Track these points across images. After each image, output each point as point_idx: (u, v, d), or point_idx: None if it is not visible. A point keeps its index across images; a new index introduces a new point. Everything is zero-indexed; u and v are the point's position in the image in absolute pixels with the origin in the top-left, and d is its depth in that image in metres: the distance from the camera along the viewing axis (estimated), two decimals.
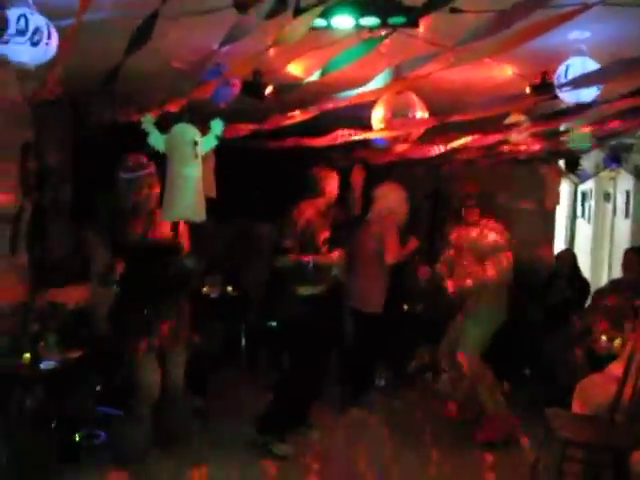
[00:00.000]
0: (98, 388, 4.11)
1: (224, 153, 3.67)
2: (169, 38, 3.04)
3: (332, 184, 4.30)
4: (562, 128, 4.40)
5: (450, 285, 4.65)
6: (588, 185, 7.18)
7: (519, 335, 5.75)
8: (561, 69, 2.98)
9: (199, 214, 3.13)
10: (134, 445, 3.67)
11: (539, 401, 4.81)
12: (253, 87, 3.75)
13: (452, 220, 5.13)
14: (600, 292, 5.32)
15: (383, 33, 2.59)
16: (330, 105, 3.04)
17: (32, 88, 3.73)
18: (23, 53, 2.49)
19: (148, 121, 2.97)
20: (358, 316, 4.81)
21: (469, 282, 4.51)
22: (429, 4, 2.28)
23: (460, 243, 4.68)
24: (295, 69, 3.80)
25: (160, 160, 3.19)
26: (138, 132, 2.99)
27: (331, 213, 4.37)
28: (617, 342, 4.36)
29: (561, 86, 2.84)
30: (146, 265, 3.59)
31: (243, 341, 5.92)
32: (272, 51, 3.07)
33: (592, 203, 7.43)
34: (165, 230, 3.72)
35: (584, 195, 7.66)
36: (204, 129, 3.49)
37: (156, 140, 2.98)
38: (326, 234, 4.24)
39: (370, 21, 2.51)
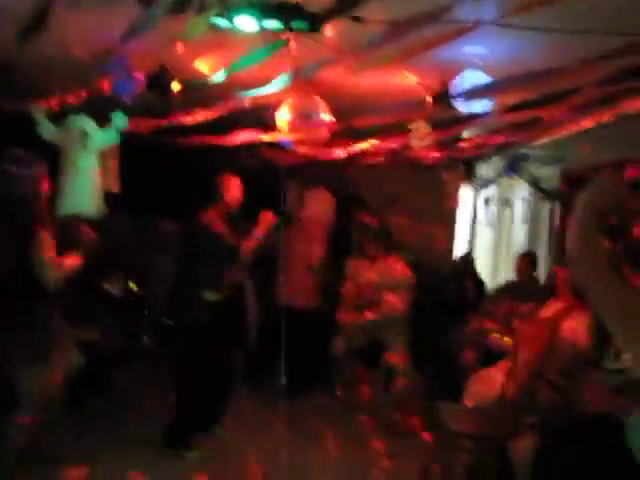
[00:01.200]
0: None
1: (132, 148, 3.60)
2: (69, 26, 2.96)
3: (233, 190, 4.21)
4: (462, 136, 4.62)
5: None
6: (491, 191, 7.51)
7: (420, 335, 5.99)
8: (456, 80, 3.15)
9: (94, 207, 3.06)
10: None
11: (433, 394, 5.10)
12: (158, 82, 3.70)
13: (352, 252, 5.28)
14: (493, 295, 5.60)
15: (285, 37, 2.64)
16: (234, 104, 3.05)
17: None
18: None
19: (38, 111, 2.87)
20: (289, 312, 4.85)
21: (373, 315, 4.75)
22: (331, 11, 2.35)
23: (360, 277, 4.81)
24: (202, 66, 3.78)
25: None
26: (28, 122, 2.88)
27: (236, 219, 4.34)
28: (507, 339, 4.60)
29: (455, 97, 2.99)
30: None
31: (145, 340, 5.80)
32: (179, 47, 3.06)
33: (493, 208, 7.77)
34: None
35: (487, 200, 7.99)
36: (106, 123, 3.42)
37: (46, 130, 2.89)
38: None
39: (272, 24, 2.55)
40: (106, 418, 4.40)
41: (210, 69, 3.75)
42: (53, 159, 3.22)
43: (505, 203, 7.59)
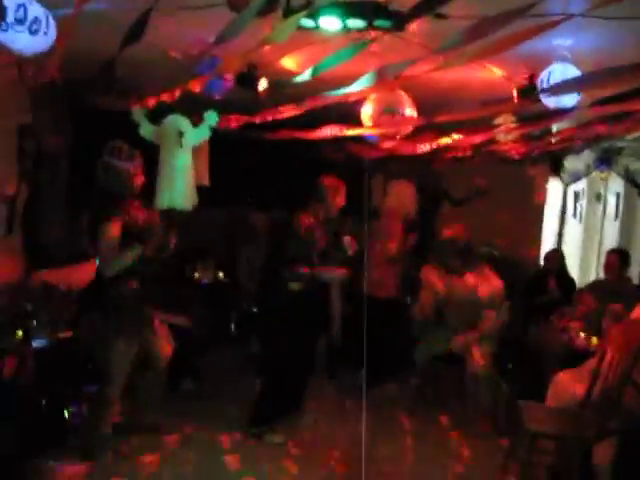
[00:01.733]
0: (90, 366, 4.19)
1: (221, 142, 3.76)
2: (165, 31, 3.13)
3: (338, 196, 4.34)
4: (550, 129, 4.50)
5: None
6: (581, 185, 7.26)
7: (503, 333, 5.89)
8: (544, 74, 3.09)
9: (188, 201, 3.23)
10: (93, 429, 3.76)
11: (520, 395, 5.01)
12: (247, 79, 3.85)
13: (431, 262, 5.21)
14: (581, 292, 5.42)
15: (371, 35, 2.69)
16: (318, 103, 3.13)
17: (30, 72, 3.81)
18: (21, 41, 2.56)
19: (138, 112, 3.05)
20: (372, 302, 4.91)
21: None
22: (414, 10, 2.37)
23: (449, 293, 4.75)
24: (288, 63, 3.90)
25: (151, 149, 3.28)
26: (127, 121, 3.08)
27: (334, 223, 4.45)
28: (595, 340, 4.47)
29: (543, 91, 2.93)
30: None
31: (233, 327, 6.03)
32: (266, 48, 3.17)
33: (584, 203, 7.51)
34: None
35: (576, 195, 7.74)
36: (199, 120, 3.60)
37: (145, 131, 3.07)
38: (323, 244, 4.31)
39: (356, 23, 2.61)
40: (198, 400, 4.63)
41: (296, 68, 3.87)
42: (151, 157, 3.45)
43: (596, 198, 7.32)
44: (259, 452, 4.00)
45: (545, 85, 3.04)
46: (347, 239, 4.32)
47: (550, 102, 3.10)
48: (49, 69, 3.08)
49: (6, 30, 2.55)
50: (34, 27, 2.56)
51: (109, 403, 3.72)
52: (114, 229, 3.39)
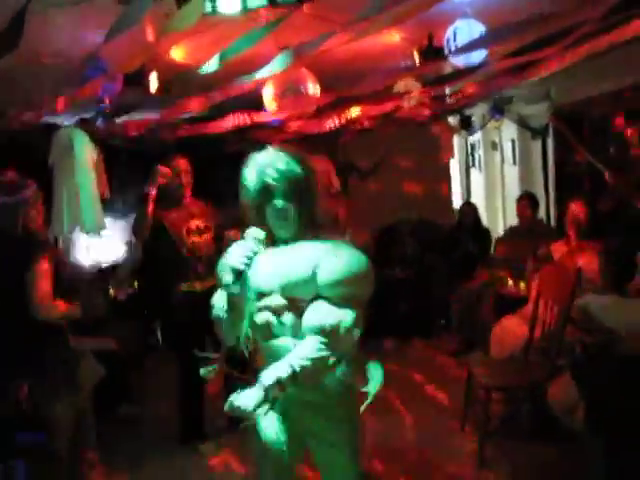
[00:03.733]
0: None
1: (118, 150, 3.45)
2: (39, 33, 2.80)
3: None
4: (449, 90, 4.51)
5: None
6: (476, 136, 7.44)
7: (429, 289, 5.99)
8: (449, 33, 3.03)
9: (99, 224, 2.92)
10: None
11: (459, 349, 5.12)
12: (136, 78, 3.56)
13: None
14: (500, 240, 5.57)
15: (267, 14, 2.52)
16: (232, 92, 2.92)
17: None
18: None
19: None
20: None
21: None
22: None
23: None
24: (177, 54, 3.63)
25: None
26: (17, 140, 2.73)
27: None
28: (522, 285, 4.59)
29: (453, 51, 2.88)
30: None
31: (156, 337, 5.75)
32: (151, 37, 2.91)
33: (481, 153, 7.72)
34: None
35: (472, 146, 7.94)
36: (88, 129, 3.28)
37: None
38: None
39: (257, 2, 2.43)
40: (136, 421, 4.35)
41: (186, 59, 3.62)
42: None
43: (492, 146, 7.54)
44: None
45: (452, 44, 2.99)
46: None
47: (459, 61, 3.06)
48: None
49: None
50: None
51: (59, 458, 3.36)
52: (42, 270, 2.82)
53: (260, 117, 3.81)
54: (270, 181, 1.92)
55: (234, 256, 1.94)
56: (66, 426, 3.23)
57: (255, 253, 1.95)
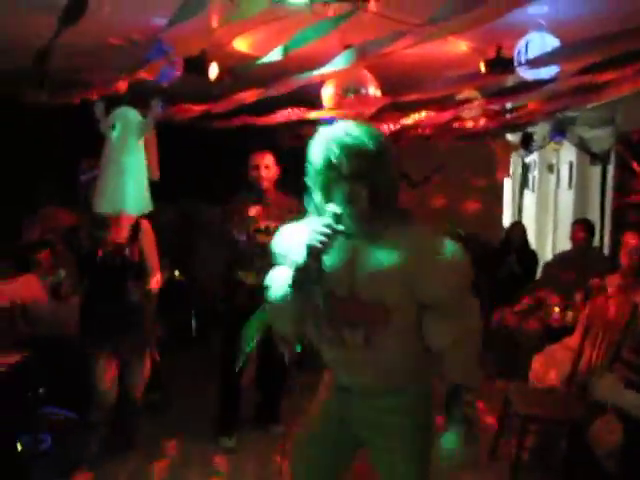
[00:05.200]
0: (41, 390, 3.83)
1: (168, 131, 3.43)
2: (100, 16, 2.79)
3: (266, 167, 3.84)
4: (510, 105, 4.37)
5: None
6: (531, 157, 7.25)
7: None
8: (520, 45, 2.91)
9: (145, 205, 2.91)
10: (85, 452, 3.44)
11: (492, 373, 4.94)
12: (197, 65, 3.54)
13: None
14: (550, 265, 5.38)
15: (334, 8, 2.45)
16: (289, 86, 2.87)
17: None
18: None
19: (99, 107, 2.70)
20: None
21: None
22: None
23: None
24: (240, 45, 3.61)
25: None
26: (79, 115, 2.73)
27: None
28: (570, 314, 4.41)
29: (524, 63, 2.76)
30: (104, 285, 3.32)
31: (194, 328, 5.73)
32: (215, 24, 2.88)
33: (536, 174, 7.52)
34: (120, 236, 3.32)
35: (527, 166, 7.75)
36: (143, 110, 3.26)
37: (104, 127, 2.72)
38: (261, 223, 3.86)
39: None
40: (162, 411, 4.34)
41: (250, 47, 3.58)
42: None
43: (548, 168, 7.34)
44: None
45: (522, 56, 2.86)
46: None
47: (528, 74, 2.94)
48: None
49: None
50: None
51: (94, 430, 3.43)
52: None
53: (317, 114, 3.75)
54: (335, 158, 1.63)
55: (313, 233, 1.64)
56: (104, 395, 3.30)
57: (335, 233, 1.64)
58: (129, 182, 3.00)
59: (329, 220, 1.64)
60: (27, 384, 3.59)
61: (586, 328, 3.61)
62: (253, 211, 3.85)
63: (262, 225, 3.85)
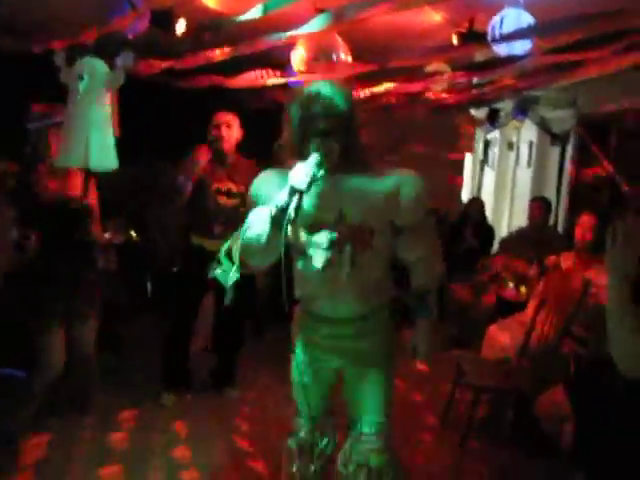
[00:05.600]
0: None
1: (130, 87, 3.30)
2: None
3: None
4: (477, 80, 4.38)
5: None
6: (493, 134, 7.32)
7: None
8: (495, 20, 2.91)
9: (110, 162, 2.81)
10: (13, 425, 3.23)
11: (450, 342, 5.05)
12: (163, 18, 3.42)
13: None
14: (506, 240, 5.48)
15: None
16: (259, 46, 2.79)
17: None
18: None
19: (59, 56, 2.57)
20: None
21: None
22: None
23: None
24: (209, 1, 3.49)
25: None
26: (41, 66, 2.60)
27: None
28: (523, 289, 4.52)
29: (498, 38, 2.76)
30: (52, 230, 3.10)
31: (149, 290, 5.64)
32: None
33: (496, 151, 7.60)
34: (74, 186, 3.20)
35: (487, 143, 7.83)
36: (108, 62, 3.13)
37: (67, 77, 2.60)
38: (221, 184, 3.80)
39: None
40: (116, 374, 4.28)
41: (218, 3, 3.47)
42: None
43: (508, 146, 7.42)
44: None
45: (497, 31, 2.86)
46: None
47: (502, 49, 2.94)
48: None
49: None
50: None
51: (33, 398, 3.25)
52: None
53: (285, 77, 3.67)
54: (316, 113, 1.87)
55: (297, 175, 1.82)
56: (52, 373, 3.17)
57: (315, 176, 1.84)
58: (95, 137, 2.88)
59: (311, 163, 1.84)
60: None
61: (540, 303, 3.70)
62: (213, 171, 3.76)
63: (223, 187, 3.80)
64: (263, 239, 1.88)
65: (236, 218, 3.48)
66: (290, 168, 1.87)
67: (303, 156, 1.90)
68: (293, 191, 1.81)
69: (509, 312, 4.34)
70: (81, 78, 2.78)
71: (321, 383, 2.29)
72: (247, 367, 4.40)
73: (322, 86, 1.90)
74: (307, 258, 2.03)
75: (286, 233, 1.80)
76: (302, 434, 2.31)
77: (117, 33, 2.94)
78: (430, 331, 2.27)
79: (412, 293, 2.29)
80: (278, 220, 1.82)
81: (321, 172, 1.86)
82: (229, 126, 3.73)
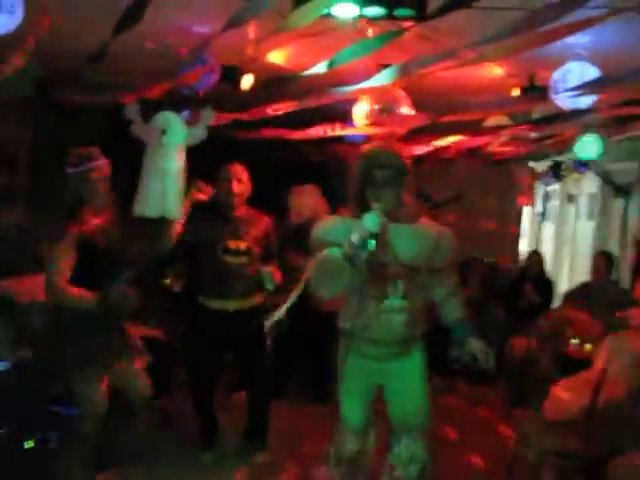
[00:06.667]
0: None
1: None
2: (155, 19, 2.81)
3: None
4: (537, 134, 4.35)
5: None
6: (552, 186, 7.22)
7: (486, 337, 5.74)
8: (558, 74, 2.91)
9: (176, 211, 2.89)
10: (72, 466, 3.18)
11: (507, 401, 4.88)
12: (232, 74, 3.56)
13: None
14: (570, 296, 5.32)
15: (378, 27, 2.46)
16: (325, 100, 2.87)
17: None
18: None
19: (132, 109, 2.70)
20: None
21: None
22: (450, 4, 2.10)
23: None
24: (276, 57, 3.62)
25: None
26: (118, 119, 2.73)
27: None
28: (588, 347, 4.35)
29: (563, 91, 2.75)
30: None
31: None
32: (252, 35, 2.89)
33: (556, 204, 7.49)
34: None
35: (547, 195, 7.72)
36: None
37: (141, 130, 2.72)
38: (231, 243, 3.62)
39: (374, 11, 2.37)
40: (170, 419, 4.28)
41: (285, 60, 3.60)
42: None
43: (569, 199, 7.30)
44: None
45: (561, 85, 2.86)
46: None
47: (566, 103, 2.93)
48: (17, 55, 2.69)
49: None
50: None
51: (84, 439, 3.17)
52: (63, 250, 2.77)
53: (349, 130, 3.75)
54: (377, 169, 2.42)
55: (369, 221, 2.26)
56: (93, 405, 3.14)
57: (383, 223, 2.30)
58: (171, 189, 2.92)
59: (377, 213, 2.31)
60: (36, 380, 3.54)
61: (608, 360, 3.55)
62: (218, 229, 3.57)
63: (232, 245, 3.56)
64: (340, 272, 2.28)
65: (242, 276, 3.53)
66: (346, 217, 2.49)
67: (364, 204, 2.42)
68: (368, 234, 2.23)
69: (571, 370, 4.17)
70: (164, 132, 2.86)
71: (367, 398, 2.71)
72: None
73: (383, 147, 2.53)
74: (364, 293, 2.50)
75: (359, 269, 2.28)
76: (349, 445, 2.70)
77: (187, 87, 3.07)
78: (482, 346, 2.75)
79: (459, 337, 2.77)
80: (354, 258, 2.24)
81: (385, 219, 2.31)
82: (240, 180, 3.55)
